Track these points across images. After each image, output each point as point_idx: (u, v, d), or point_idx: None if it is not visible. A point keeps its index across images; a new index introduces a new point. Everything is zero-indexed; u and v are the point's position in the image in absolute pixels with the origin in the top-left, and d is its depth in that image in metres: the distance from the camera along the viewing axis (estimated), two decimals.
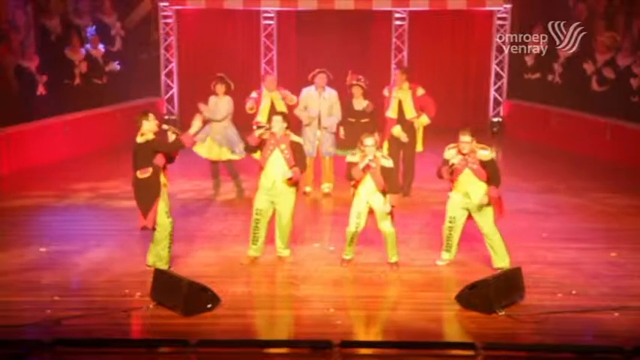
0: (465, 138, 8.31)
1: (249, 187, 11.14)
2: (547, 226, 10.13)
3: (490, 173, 8.34)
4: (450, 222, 8.60)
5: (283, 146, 8.46)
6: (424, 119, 11.12)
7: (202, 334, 6.91)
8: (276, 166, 8.49)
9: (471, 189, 8.40)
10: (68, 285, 8.15)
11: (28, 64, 13.72)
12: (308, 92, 11.34)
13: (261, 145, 8.55)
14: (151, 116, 8.21)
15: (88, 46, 15.36)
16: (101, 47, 15.64)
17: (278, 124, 8.49)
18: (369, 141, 8.37)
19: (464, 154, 8.35)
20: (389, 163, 8.47)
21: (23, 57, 13.66)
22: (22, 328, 7.05)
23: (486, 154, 8.37)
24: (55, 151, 13.71)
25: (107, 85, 15.77)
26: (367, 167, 8.37)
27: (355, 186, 8.52)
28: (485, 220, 8.46)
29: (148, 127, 8.13)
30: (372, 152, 8.37)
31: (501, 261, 8.49)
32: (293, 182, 8.50)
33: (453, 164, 8.36)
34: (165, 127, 8.36)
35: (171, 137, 8.29)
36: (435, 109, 11.13)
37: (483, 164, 8.34)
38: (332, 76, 11.31)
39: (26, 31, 13.68)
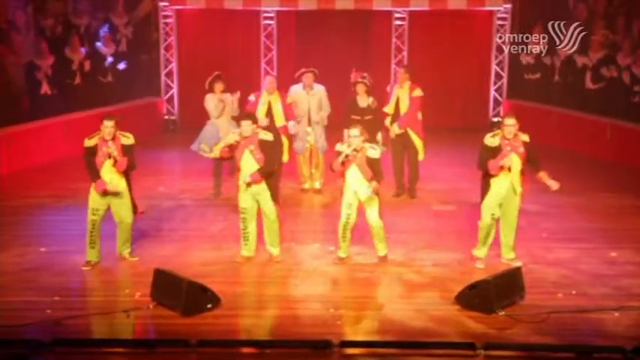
0: (510, 121, 8.06)
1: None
2: (547, 226, 10.11)
3: (533, 155, 8.25)
4: (492, 218, 8.36)
5: (252, 147, 8.48)
6: (395, 129, 11.00)
7: (202, 334, 6.90)
8: (248, 167, 8.51)
9: (516, 176, 8.32)
10: (68, 285, 8.15)
11: (41, 62, 13.80)
12: (296, 90, 11.40)
13: (233, 150, 8.58)
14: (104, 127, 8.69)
15: (99, 44, 15.41)
16: (112, 45, 15.74)
17: (248, 129, 8.45)
18: (355, 131, 8.25)
19: (509, 140, 8.13)
20: (375, 153, 8.34)
21: (38, 56, 13.74)
22: (22, 328, 7.04)
23: (525, 135, 8.22)
24: (55, 151, 13.69)
25: (108, 85, 15.74)
26: (346, 162, 8.28)
27: (342, 176, 8.50)
28: (515, 206, 8.40)
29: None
30: (357, 143, 8.26)
31: (510, 252, 8.57)
32: (253, 183, 8.50)
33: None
34: (111, 149, 8.65)
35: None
36: (409, 121, 10.94)
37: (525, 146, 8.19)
38: (317, 73, 11.31)
39: (27, 30, 13.69)
